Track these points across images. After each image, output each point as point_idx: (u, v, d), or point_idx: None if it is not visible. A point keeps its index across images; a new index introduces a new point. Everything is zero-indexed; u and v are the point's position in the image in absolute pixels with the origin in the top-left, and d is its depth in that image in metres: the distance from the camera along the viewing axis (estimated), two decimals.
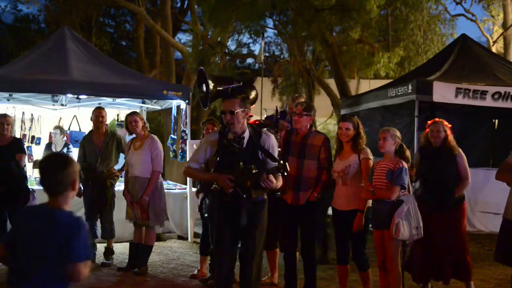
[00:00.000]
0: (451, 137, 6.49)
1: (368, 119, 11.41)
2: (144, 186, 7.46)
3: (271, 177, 4.96)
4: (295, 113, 6.28)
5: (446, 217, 6.37)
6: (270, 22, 17.56)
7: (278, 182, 5.13)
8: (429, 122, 6.68)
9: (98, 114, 8.20)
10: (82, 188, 7.98)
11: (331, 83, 16.20)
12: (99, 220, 8.16)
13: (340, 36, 16.31)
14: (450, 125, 6.58)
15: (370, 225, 6.08)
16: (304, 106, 6.35)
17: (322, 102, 16.50)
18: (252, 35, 18.41)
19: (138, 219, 7.55)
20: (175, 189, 10.69)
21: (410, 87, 10.14)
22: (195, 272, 7.48)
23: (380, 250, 5.93)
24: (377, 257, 6.08)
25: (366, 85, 16.20)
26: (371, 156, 6.07)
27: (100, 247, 8.22)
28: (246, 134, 5.12)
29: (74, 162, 3.36)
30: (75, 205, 8.13)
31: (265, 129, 5.52)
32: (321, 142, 6.29)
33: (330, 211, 6.60)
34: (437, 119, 6.68)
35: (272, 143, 5.21)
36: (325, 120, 16.95)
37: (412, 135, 9.98)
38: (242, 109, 5.08)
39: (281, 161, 5.00)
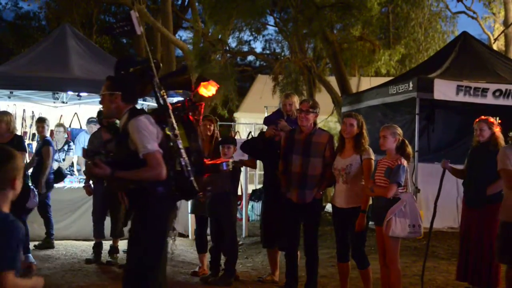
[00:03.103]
0: (498, 134, 6.37)
1: (369, 117, 11.39)
2: None
3: (98, 164, 4.43)
4: (301, 110, 6.27)
5: (480, 215, 6.34)
6: (271, 20, 17.54)
7: (131, 173, 4.41)
8: (476, 120, 6.63)
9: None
10: (92, 186, 7.99)
11: (332, 80, 16.17)
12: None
13: (341, 34, 16.27)
14: (497, 121, 6.50)
15: (371, 222, 6.08)
16: (311, 103, 6.35)
17: (322, 100, 16.37)
18: (253, 33, 18.38)
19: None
20: None
21: (411, 85, 10.12)
22: (197, 269, 7.49)
23: (381, 247, 5.93)
24: (378, 254, 6.09)
25: (367, 83, 16.15)
26: (373, 156, 6.05)
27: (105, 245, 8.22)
28: (123, 120, 4.55)
29: (16, 157, 2.97)
30: (78, 201, 8.16)
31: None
32: (327, 140, 6.31)
33: (329, 209, 6.60)
34: (483, 116, 6.56)
35: (133, 127, 4.36)
36: (326, 117, 16.90)
37: (412, 133, 9.97)
38: (110, 92, 4.55)
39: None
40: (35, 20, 26.51)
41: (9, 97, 10.26)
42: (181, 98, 10.02)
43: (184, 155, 4.49)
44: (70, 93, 10.03)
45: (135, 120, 4.38)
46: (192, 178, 4.49)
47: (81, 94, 10.02)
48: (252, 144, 7.29)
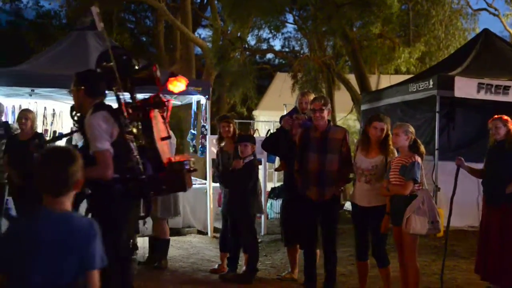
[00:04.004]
0: None
1: (389, 115, 11.33)
2: None
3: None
4: (315, 109, 6.26)
5: (500, 214, 6.31)
6: (290, 17, 17.53)
7: None
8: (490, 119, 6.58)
9: None
10: None
11: (351, 78, 16.12)
12: None
13: (360, 31, 16.21)
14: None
15: (390, 221, 6.06)
16: (322, 101, 6.34)
17: (342, 98, 16.44)
18: (272, 30, 18.37)
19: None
20: (195, 184, 10.71)
21: (431, 83, 10.04)
22: (216, 266, 7.51)
23: (400, 246, 5.90)
24: (397, 253, 6.06)
25: (387, 81, 16.07)
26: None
27: None
28: (87, 114, 4.55)
29: (79, 158, 2.97)
30: None
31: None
32: (343, 136, 6.31)
33: (348, 207, 6.58)
34: (496, 115, 6.53)
35: (87, 124, 4.43)
36: (345, 115, 16.86)
37: (433, 131, 9.90)
38: (75, 87, 4.63)
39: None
40: (56, 19, 26.69)
41: (30, 95, 10.35)
42: (200, 95, 10.11)
43: (135, 152, 4.45)
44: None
45: (89, 116, 4.43)
46: (143, 177, 4.44)
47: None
48: (272, 141, 7.28)
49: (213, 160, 9.71)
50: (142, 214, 5.01)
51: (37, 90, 10.02)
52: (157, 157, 4.66)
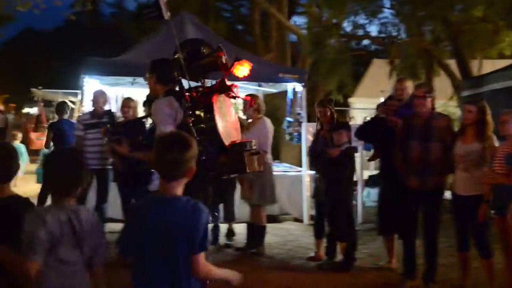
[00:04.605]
0: None
1: (491, 102, 10.87)
2: None
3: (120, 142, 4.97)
4: (417, 96, 6.11)
5: None
6: (386, 2, 17.17)
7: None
8: None
9: None
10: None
11: (452, 63, 15.61)
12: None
13: (461, 15, 15.62)
14: None
15: (492, 211, 5.83)
16: (426, 87, 6.20)
17: (442, 84, 15.94)
18: (368, 16, 18.05)
19: (244, 197, 7.70)
20: (291, 171, 10.76)
21: None
22: (312, 254, 7.52)
23: (504, 237, 5.68)
24: (500, 244, 5.84)
25: (490, 66, 15.42)
26: (496, 143, 5.79)
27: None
28: None
29: (194, 145, 3.03)
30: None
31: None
32: (446, 124, 6.13)
33: (448, 196, 6.39)
34: None
35: (153, 109, 4.78)
36: (445, 102, 16.35)
37: None
38: (148, 75, 4.93)
39: None
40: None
41: (132, 84, 10.70)
42: (296, 83, 10.10)
43: (196, 135, 4.53)
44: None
45: (155, 101, 4.70)
46: (203, 158, 4.43)
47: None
48: (367, 129, 7.18)
49: (309, 147, 9.70)
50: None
51: (138, 79, 10.34)
52: (218, 140, 4.75)
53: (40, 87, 19.43)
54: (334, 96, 19.14)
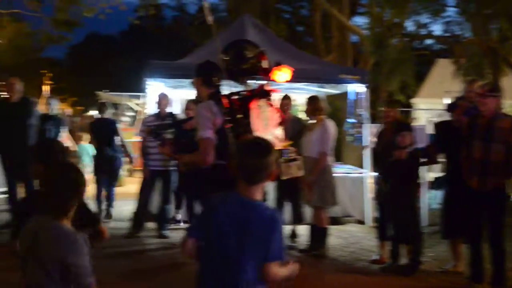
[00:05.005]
0: None
1: None
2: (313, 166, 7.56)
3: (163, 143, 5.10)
4: (480, 94, 5.98)
5: None
6: (450, 1, 16.80)
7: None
8: None
9: (282, 102, 8.35)
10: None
11: None
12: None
13: None
14: None
15: None
16: (489, 86, 6.05)
17: (510, 83, 15.51)
18: (431, 15, 17.71)
19: (306, 200, 7.67)
20: (353, 173, 10.67)
21: None
22: (376, 257, 7.43)
23: None
24: None
25: None
26: None
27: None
28: None
29: (274, 149, 3.10)
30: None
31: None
32: (510, 125, 5.94)
33: None
34: None
35: (194, 113, 4.93)
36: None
37: None
38: (195, 78, 4.99)
39: None
40: (216, 12, 27.73)
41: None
42: (358, 84, 9.99)
43: (232, 140, 4.58)
44: (248, 81, 10.35)
45: (197, 106, 4.82)
46: None
47: (259, 82, 10.30)
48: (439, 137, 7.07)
49: (371, 149, 9.59)
50: None
51: None
52: None
53: (105, 90, 19.92)
54: (397, 96, 18.90)
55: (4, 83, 8.69)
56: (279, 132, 5.08)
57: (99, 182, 9.91)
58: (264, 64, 4.99)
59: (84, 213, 3.69)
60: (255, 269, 2.93)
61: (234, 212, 2.97)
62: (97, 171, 9.98)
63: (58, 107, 10.40)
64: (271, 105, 4.95)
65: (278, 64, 5.12)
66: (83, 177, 3.21)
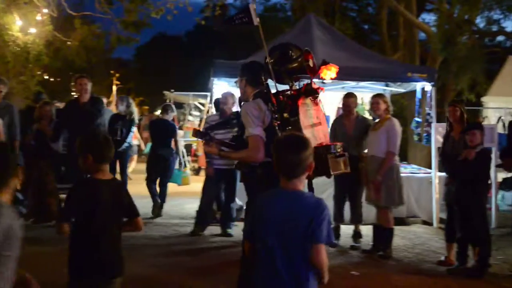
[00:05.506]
0: None
1: None
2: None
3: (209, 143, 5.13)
4: None
5: None
6: None
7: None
8: None
9: (348, 100, 8.28)
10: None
11: None
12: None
13: None
14: None
15: None
16: None
17: None
18: (504, 11, 17.17)
19: (372, 199, 7.58)
20: (419, 173, 10.48)
21: None
22: (443, 258, 7.27)
23: None
24: None
25: None
26: None
27: (346, 229, 8.35)
28: None
29: (310, 143, 3.25)
30: (324, 185, 8.39)
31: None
32: None
33: None
34: None
35: (242, 111, 4.87)
36: None
37: None
38: (240, 78, 5.05)
39: None
40: (281, 12, 27.77)
41: None
42: (425, 82, 9.80)
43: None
44: (315, 80, 10.31)
45: (244, 104, 4.87)
46: None
47: (325, 81, 10.24)
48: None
49: (438, 148, 9.39)
50: None
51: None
52: None
53: (172, 90, 20.25)
54: (466, 95, 18.42)
55: (75, 83, 8.96)
56: (324, 129, 5.09)
57: (151, 180, 10.27)
58: (311, 62, 5.01)
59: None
60: (307, 258, 3.06)
61: (280, 207, 3.13)
62: (149, 169, 10.36)
63: (129, 107, 10.67)
64: (316, 104, 4.95)
65: (324, 63, 5.11)
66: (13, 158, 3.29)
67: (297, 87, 5.00)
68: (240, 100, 5.21)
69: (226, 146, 5.14)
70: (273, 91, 4.89)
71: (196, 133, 5.46)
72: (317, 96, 4.99)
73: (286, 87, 5.03)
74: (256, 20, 5.17)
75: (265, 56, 5.11)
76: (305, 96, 4.89)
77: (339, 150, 4.90)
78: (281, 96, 4.83)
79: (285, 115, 4.69)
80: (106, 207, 3.78)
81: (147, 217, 9.70)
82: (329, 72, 5.11)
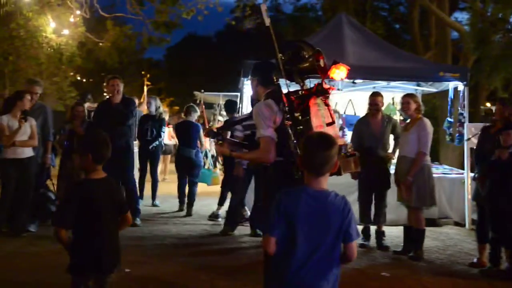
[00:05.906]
0: None
1: None
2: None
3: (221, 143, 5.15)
4: None
5: None
6: None
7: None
8: None
9: (375, 98, 8.23)
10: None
11: None
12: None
13: None
14: None
15: None
16: None
17: None
18: None
19: (403, 200, 7.52)
20: (451, 173, 10.36)
21: None
22: (474, 260, 7.18)
23: None
24: None
25: None
26: None
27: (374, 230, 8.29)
28: None
29: (336, 142, 3.37)
30: (351, 186, 8.34)
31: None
32: None
33: None
34: None
35: (253, 112, 4.87)
36: None
37: None
38: (252, 77, 5.08)
39: None
40: (312, 11, 27.74)
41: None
42: (457, 82, 9.69)
43: (293, 138, 4.57)
44: (345, 80, 10.27)
45: (256, 104, 4.88)
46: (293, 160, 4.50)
47: (356, 81, 10.20)
48: None
49: (471, 149, 9.28)
50: None
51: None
52: None
53: (202, 90, 20.34)
54: (500, 94, 18.16)
55: (107, 84, 9.05)
56: (334, 129, 5.08)
57: (180, 180, 10.63)
58: (322, 62, 5.00)
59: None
60: (337, 255, 3.21)
61: (309, 205, 3.21)
62: (178, 169, 10.68)
63: (159, 107, 10.81)
64: (327, 104, 4.94)
65: (335, 62, 5.10)
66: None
67: (308, 87, 5.00)
68: (252, 99, 5.25)
69: (239, 146, 5.17)
70: (285, 91, 4.89)
71: (209, 132, 5.51)
72: (328, 96, 4.98)
73: (298, 86, 5.04)
74: (267, 21, 5.17)
75: (277, 54, 5.12)
76: (316, 96, 4.90)
77: (349, 150, 4.91)
78: (292, 96, 4.84)
79: (297, 115, 4.70)
80: (102, 205, 4.00)
81: (179, 216, 9.86)
82: (338, 71, 5.11)
